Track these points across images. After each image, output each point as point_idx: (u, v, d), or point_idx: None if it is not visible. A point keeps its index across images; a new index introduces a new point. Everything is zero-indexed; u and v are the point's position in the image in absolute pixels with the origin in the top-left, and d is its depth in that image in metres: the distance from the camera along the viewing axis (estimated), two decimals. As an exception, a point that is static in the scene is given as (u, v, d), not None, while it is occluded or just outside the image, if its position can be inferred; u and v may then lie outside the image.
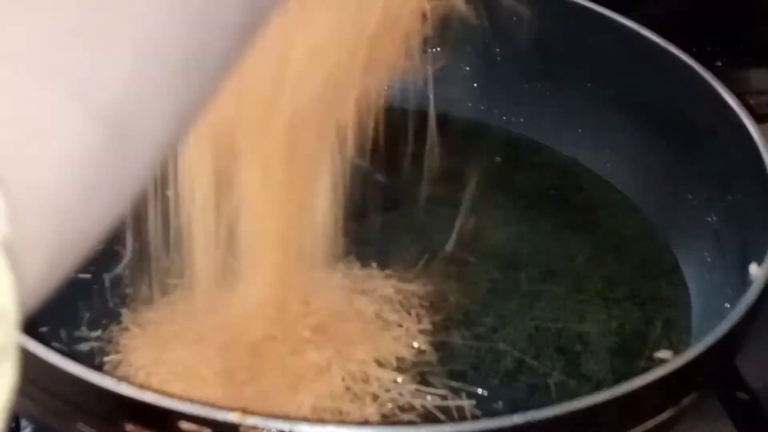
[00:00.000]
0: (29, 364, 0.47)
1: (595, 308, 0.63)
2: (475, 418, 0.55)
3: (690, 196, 0.67)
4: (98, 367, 0.56)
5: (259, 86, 0.48)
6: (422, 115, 0.65)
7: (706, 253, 0.65)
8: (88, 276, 0.60)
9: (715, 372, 0.55)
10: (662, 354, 0.61)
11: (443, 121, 0.66)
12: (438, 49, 0.79)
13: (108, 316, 0.59)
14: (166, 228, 0.55)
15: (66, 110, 0.26)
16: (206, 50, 0.30)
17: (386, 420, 0.54)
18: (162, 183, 0.52)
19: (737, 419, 0.62)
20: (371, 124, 0.53)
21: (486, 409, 0.56)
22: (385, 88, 0.55)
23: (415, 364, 0.57)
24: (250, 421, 0.45)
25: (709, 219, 0.65)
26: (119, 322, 0.58)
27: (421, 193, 0.65)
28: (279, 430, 0.45)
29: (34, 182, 0.25)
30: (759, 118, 0.64)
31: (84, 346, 0.58)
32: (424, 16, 0.54)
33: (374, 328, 0.58)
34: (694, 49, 0.69)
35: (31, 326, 0.58)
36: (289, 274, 0.55)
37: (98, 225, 0.28)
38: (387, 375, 0.56)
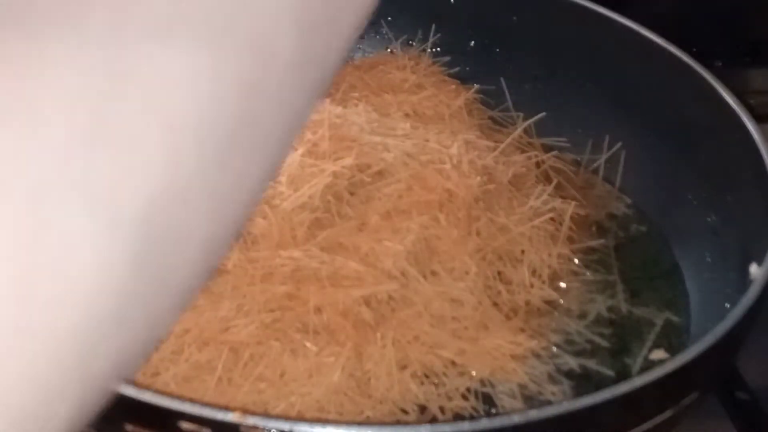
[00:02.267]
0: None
1: (595, 308, 0.63)
2: (474, 418, 0.55)
3: (690, 196, 0.68)
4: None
5: None
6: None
7: (706, 253, 0.65)
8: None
9: (715, 372, 0.55)
10: (660, 355, 0.61)
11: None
12: (438, 49, 0.80)
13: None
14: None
15: (86, 231, 0.21)
16: (255, 128, 0.25)
17: (386, 420, 0.54)
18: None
19: (737, 419, 0.62)
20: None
21: (485, 409, 0.56)
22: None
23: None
24: (250, 421, 0.45)
25: (709, 219, 0.65)
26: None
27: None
28: (279, 430, 0.45)
29: (49, 328, 0.20)
30: (759, 118, 0.64)
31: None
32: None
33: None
34: (694, 49, 0.69)
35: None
36: None
37: (140, 347, 0.23)
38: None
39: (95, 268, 0.21)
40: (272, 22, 0.25)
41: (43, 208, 0.21)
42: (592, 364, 0.60)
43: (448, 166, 0.62)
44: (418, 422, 0.54)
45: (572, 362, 0.60)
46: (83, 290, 0.21)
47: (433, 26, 0.80)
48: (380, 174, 0.62)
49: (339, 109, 0.66)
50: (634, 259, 0.67)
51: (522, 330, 0.60)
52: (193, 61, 0.23)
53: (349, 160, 0.61)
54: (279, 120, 0.26)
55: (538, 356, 0.59)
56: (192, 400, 0.45)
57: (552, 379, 0.58)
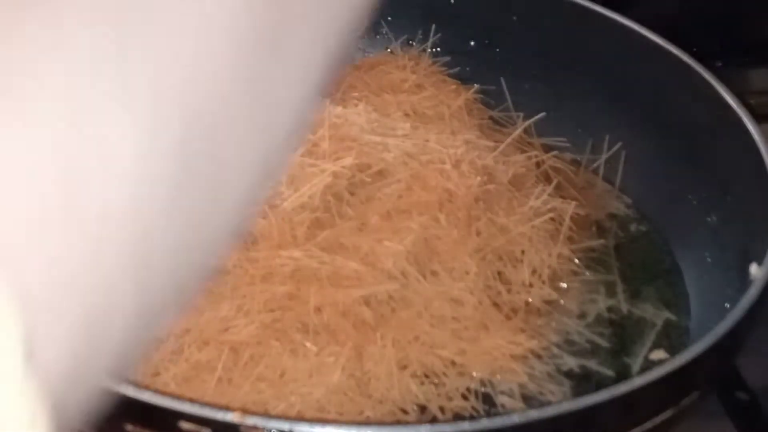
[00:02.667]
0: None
1: (595, 308, 0.63)
2: (474, 418, 0.55)
3: (690, 196, 0.68)
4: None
5: None
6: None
7: (706, 253, 0.65)
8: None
9: (715, 372, 0.55)
10: (660, 355, 0.61)
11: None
12: (438, 49, 0.80)
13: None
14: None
15: (127, 135, 0.21)
16: (294, 27, 0.24)
17: (386, 420, 0.54)
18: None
19: (737, 419, 0.62)
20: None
21: (485, 409, 0.56)
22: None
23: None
24: (250, 421, 0.45)
25: (709, 219, 0.65)
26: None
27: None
28: (279, 430, 0.45)
29: (98, 230, 0.20)
30: (759, 118, 0.64)
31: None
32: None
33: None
34: (694, 49, 0.69)
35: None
36: None
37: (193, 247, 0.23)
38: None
39: (137, 171, 0.21)
40: None
41: (83, 113, 0.21)
42: (592, 364, 0.60)
43: (448, 166, 0.62)
44: (418, 422, 0.54)
45: (572, 362, 0.60)
46: (126, 196, 0.21)
47: (433, 26, 0.80)
48: (380, 174, 0.62)
49: (339, 109, 0.66)
50: (634, 259, 0.67)
51: (522, 330, 0.59)
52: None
53: (349, 160, 0.61)
54: (319, 17, 0.26)
55: (538, 356, 0.59)
56: (192, 400, 0.45)
57: (552, 379, 0.58)
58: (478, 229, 0.61)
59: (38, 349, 0.20)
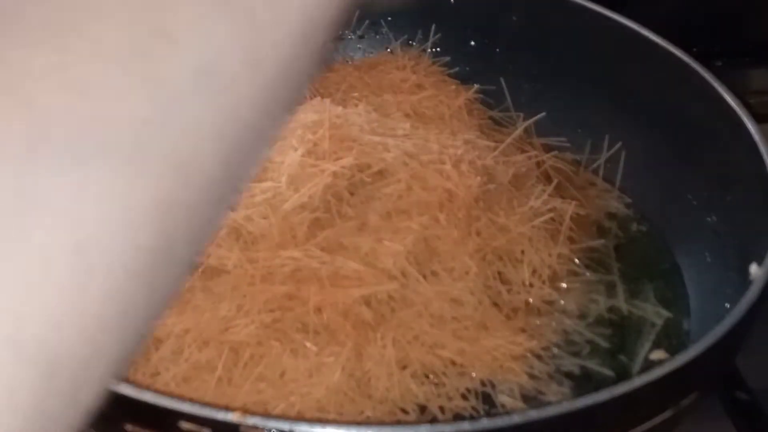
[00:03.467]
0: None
1: (595, 308, 0.63)
2: (474, 418, 0.55)
3: (690, 196, 0.68)
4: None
5: None
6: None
7: (706, 253, 0.65)
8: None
9: (715, 372, 0.55)
10: (660, 355, 0.61)
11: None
12: (438, 49, 0.80)
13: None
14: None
15: None
16: (169, 247, 0.25)
17: (386, 420, 0.54)
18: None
19: (737, 419, 0.62)
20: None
21: (485, 409, 0.56)
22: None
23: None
24: (250, 421, 0.45)
25: (709, 219, 0.65)
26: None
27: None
28: (279, 430, 0.45)
29: None
30: (759, 118, 0.64)
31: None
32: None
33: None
34: (694, 49, 0.69)
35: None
36: None
37: None
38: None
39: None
40: (194, 144, 0.25)
41: None
42: (592, 364, 0.60)
43: (448, 166, 0.62)
44: (418, 422, 0.54)
45: (572, 362, 0.60)
46: None
47: (433, 26, 0.80)
48: (380, 174, 0.62)
49: (339, 109, 0.66)
50: (634, 259, 0.67)
51: (522, 330, 0.60)
52: (106, 183, 0.23)
53: (349, 160, 0.61)
54: (194, 234, 0.26)
55: (538, 356, 0.59)
56: (192, 400, 0.45)
57: (552, 379, 0.58)
58: (478, 229, 0.61)
59: None
